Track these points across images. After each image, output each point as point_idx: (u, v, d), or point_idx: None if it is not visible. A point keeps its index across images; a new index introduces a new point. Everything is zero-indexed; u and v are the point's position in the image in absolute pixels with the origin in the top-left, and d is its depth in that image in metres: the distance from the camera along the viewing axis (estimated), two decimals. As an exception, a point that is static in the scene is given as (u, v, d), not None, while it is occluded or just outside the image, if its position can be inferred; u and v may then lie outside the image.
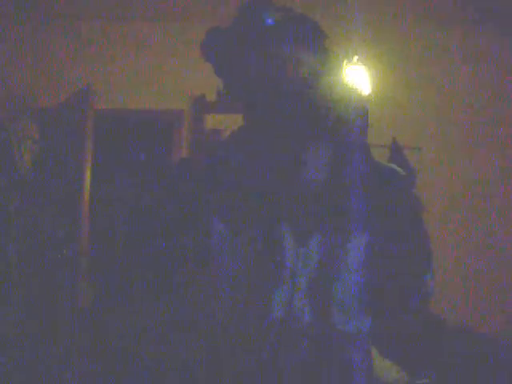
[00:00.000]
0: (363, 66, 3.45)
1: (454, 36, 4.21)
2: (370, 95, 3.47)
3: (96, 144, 3.58)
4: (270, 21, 1.07)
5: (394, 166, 1.18)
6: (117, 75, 4.13)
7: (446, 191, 4.14)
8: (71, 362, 3.12)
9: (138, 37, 4.21)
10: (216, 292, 1.08)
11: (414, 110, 4.17)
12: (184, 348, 1.12)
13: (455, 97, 4.22)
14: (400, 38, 4.17)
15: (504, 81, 4.20)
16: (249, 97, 1.09)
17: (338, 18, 3.60)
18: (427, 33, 4.20)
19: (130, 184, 4.22)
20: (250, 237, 1.06)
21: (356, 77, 3.39)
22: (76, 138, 3.53)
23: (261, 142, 1.09)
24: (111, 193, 4.15)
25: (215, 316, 1.07)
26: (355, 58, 3.34)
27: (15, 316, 3.22)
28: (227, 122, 4.14)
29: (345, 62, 1.15)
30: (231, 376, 1.05)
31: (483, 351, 3.40)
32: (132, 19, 4.18)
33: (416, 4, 3.88)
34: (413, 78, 4.18)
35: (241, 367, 1.04)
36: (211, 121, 4.09)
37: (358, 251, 1.06)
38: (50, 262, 3.35)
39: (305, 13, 1.16)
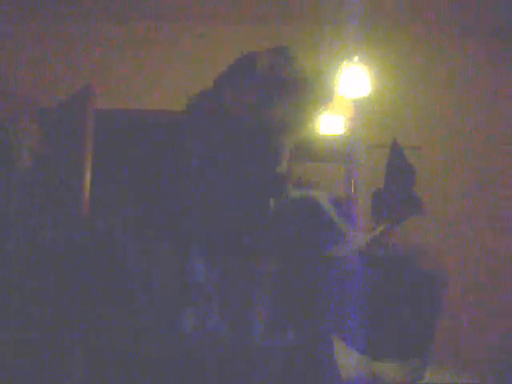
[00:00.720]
0: (363, 66, 3.45)
1: (454, 36, 4.21)
2: (370, 95, 3.48)
3: (96, 144, 3.58)
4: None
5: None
6: (117, 75, 4.13)
7: (446, 191, 4.14)
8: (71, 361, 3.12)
9: (138, 37, 4.22)
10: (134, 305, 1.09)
11: (413, 110, 4.17)
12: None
13: (455, 97, 4.22)
14: (400, 38, 4.17)
15: (504, 81, 4.20)
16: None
17: (339, 18, 3.61)
18: (427, 33, 4.20)
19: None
20: (164, 255, 1.08)
21: (356, 77, 3.40)
22: (76, 138, 3.53)
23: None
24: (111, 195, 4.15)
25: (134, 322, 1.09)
26: (355, 58, 3.34)
27: (15, 317, 3.22)
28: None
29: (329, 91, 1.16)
30: None
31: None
32: (132, 19, 4.18)
33: (416, 4, 3.88)
34: (413, 78, 4.18)
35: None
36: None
37: (267, 276, 1.08)
38: (50, 262, 3.35)
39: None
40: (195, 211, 1.11)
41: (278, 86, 1.11)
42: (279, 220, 1.12)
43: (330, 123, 3.65)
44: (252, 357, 1.04)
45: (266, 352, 1.05)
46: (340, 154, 3.73)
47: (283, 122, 1.10)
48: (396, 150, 4.10)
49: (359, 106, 3.63)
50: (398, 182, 4.09)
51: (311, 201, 1.19)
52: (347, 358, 1.24)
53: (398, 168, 4.08)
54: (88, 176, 3.47)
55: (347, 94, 3.39)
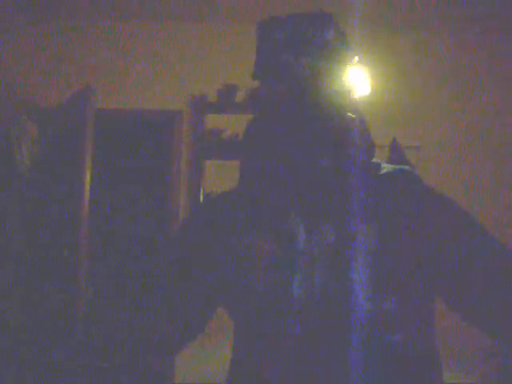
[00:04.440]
0: (363, 67, 3.45)
1: (454, 37, 4.21)
2: (370, 95, 3.48)
3: (96, 144, 3.58)
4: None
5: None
6: (117, 75, 4.13)
7: (446, 191, 4.14)
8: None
9: (138, 37, 4.22)
10: (240, 281, 1.12)
11: (413, 110, 4.18)
12: None
13: (455, 97, 4.22)
14: (400, 38, 4.18)
15: (504, 82, 4.20)
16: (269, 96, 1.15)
17: (339, 18, 3.60)
18: (427, 33, 4.20)
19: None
20: (265, 229, 1.11)
21: (356, 77, 3.40)
22: (76, 138, 3.53)
23: (269, 133, 1.13)
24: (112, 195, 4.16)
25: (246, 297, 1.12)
26: (355, 58, 3.34)
27: (15, 315, 3.22)
28: (227, 122, 4.16)
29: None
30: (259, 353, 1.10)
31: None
32: (132, 19, 4.18)
33: (416, 5, 3.88)
34: (413, 78, 4.18)
35: (268, 344, 1.09)
36: (211, 121, 4.10)
37: (368, 237, 1.09)
38: (50, 261, 3.35)
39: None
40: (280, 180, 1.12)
41: (303, 45, 1.16)
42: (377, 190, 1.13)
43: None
44: (360, 321, 1.06)
45: (375, 316, 1.06)
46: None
47: (313, 78, 1.14)
48: (396, 150, 4.11)
49: (359, 106, 3.63)
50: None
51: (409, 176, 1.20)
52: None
53: (398, 168, 4.08)
54: (88, 176, 3.47)
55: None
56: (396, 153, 4.09)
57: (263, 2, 3.91)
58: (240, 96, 3.92)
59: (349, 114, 1.21)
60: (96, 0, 3.95)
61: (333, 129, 1.13)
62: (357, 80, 3.39)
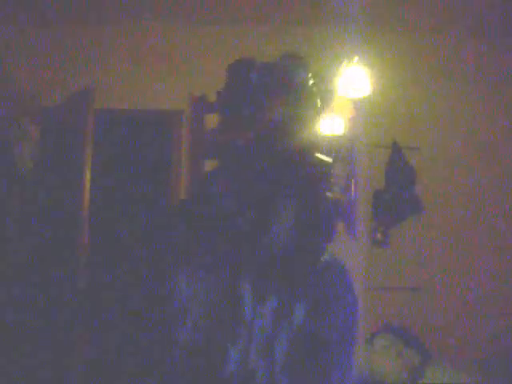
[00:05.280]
0: (363, 67, 3.45)
1: (454, 37, 4.21)
2: (370, 95, 3.47)
3: (96, 144, 3.58)
4: (254, 77, 1.16)
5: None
6: (117, 75, 4.13)
7: (446, 191, 4.14)
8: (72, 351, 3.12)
9: (138, 37, 4.22)
10: (174, 337, 1.11)
11: (414, 110, 4.17)
12: None
13: (455, 97, 4.22)
14: (400, 38, 4.17)
15: (504, 82, 4.20)
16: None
17: (339, 18, 3.60)
18: (427, 34, 4.20)
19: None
20: (212, 287, 1.11)
21: (356, 77, 3.39)
22: (76, 138, 3.53)
23: (234, 187, 1.15)
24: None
25: (172, 363, 1.11)
26: (355, 58, 3.34)
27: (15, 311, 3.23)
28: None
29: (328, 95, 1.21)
30: None
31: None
32: (132, 19, 4.18)
33: (417, 5, 3.88)
34: (413, 78, 4.18)
35: None
36: (211, 121, 4.09)
37: (298, 316, 1.12)
38: (50, 261, 3.35)
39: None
40: (241, 241, 1.13)
41: (276, 89, 1.14)
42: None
43: (330, 123, 3.65)
44: None
45: None
46: (340, 154, 3.73)
47: (284, 124, 1.12)
48: (396, 150, 4.11)
49: (359, 106, 3.63)
50: (397, 182, 4.10)
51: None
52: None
53: (398, 168, 4.08)
54: (88, 176, 3.47)
55: (347, 94, 3.38)
56: (396, 153, 4.09)
57: (264, 5, 3.91)
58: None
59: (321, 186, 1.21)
60: (96, 1, 3.94)
61: (303, 208, 1.15)
62: (357, 80, 3.39)
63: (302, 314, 1.11)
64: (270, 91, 1.14)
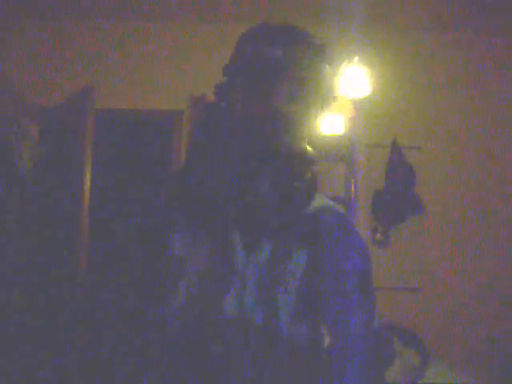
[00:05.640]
0: (363, 67, 3.44)
1: (454, 37, 4.21)
2: (370, 95, 3.47)
3: (96, 144, 3.58)
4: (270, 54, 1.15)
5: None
6: (117, 75, 4.13)
7: (446, 191, 4.14)
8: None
9: (138, 37, 4.22)
10: (173, 292, 1.12)
11: (414, 110, 4.18)
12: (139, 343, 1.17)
13: (455, 97, 4.22)
14: (400, 38, 4.17)
15: (505, 82, 4.20)
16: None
17: (339, 18, 3.60)
18: (428, 34, 4.20)
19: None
20: (205, 242, 1.13)
21: (356, 77, 3.39)
22: (76, 138, 3.53)
23: (223, 155, 1.17)
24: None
25: (170, 316, 1.12)
26: (355, 58, 3.34)
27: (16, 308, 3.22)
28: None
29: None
30: (185, 372, 1.10)
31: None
32: (132, 19, 4.18)
33: (417, 5, 3.88)
34: (413, 78, 4.18)
35: (194, 364, 1.10)
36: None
37: (299, 264, 1.13)
38: (50, 261, 3.35)
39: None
40: (230, 197, 1.15)
41: (279, 76, 1.13)
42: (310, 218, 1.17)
43: (330, 123, 3.65)
44: (279, 346, 1.09)
45: (295, 343, 1.09)
46: (340, 153, 3.73)
47: (286, 114, 1.13)
48: (396, 150, 4.11)
49: (359, 106, 3.63)
50: (397, 182, 4.10)
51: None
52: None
53: (398, 168, 4.08)
54: (88, 176, 3.48)
55: (347, 94, 3.38)
56: (396, 153, 4.09)
57: (264, 4, 3.91)
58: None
59: (308, 149, 1.18)
60: (96, 0, 3.94)
61: (285, 161, 1.15)
62: (357, 80, 3.39)
63: (302, 261, 1.12)
64: (284, 76, 1.13)
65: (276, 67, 1.13)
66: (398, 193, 4.06)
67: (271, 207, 1.13)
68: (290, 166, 1.14)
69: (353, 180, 3.66)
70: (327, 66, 1.18)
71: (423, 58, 4.23)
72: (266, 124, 1.13)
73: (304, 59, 1.15)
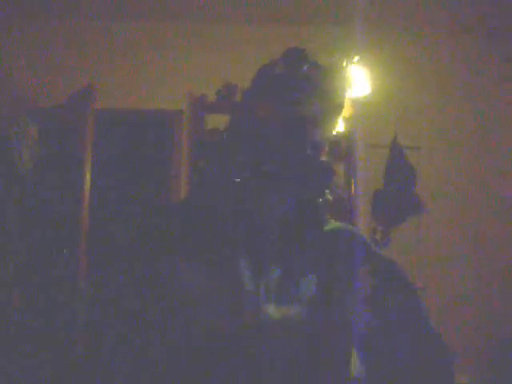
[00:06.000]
0: (364, 67, 3.45)
1: (454, 37, 4.21)
2: (370, 95, 3.48)
3: (96, 144, 3.58)
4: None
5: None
6: (117, 75, 4.13)
7: (446, 191, 4.14)
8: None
9: (137, 37, 4.22)
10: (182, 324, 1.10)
11: (414, 110, 4.18)
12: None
13: (455, 97, 4.22)
14: (400, 38, 4.17)
15: (504, 82, 4.21)
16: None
17: (340, 18, 3.61)
18: (428, 34, 4.20)
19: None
20: (214, 271, 1.11)
21: (356, 77, 3.40)
22: (76, 138, 3.53)
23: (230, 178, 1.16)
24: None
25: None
26: (356, 58, 3.34)
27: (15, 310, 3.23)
28: (227, 122, 4.16)
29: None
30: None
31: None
32: (132, 19, 4.18)
33: (417, 5, 3.88)
34: (413, 78, 4.18)
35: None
36: (211, 121, 4.10)
37: (308, 287, 1.12)
38: (50, 261, 3.35)
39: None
40: (244, 220, 1.13)
41: (298, 83, 1.15)
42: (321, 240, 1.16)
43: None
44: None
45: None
46: (340, 153, 3.73)
47: (312, 116, 1.14)
48: (396, 150, 4.11)
49: (359, 106, 3.63)
50: (397, 182, 4.10)
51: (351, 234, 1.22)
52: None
53: (398, 168, 4.08)
54: (88, 176, 3.48)
55: (347, 94, 3.38)
56: (396, 153, 4.09)
57: (264, 5, 3.91)
58: (240, 96, 3.92)
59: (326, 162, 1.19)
60: (97, 0, 3.94)
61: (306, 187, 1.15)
62: (357, 80, 3.39)
63: (311, 284, 1.11)
64: (310, 87, 1.15)
65: (302, 81, 1.16)
66: (398, 193, 4.06)
67: (281, 229, 1.12)
68: (314, 183, 1.15)
69: (353, 180, 3.66)
70: (342, 84, 1.21)
71: (423, 58, 4.23)
72: (294, 132, 1.13)
73: (323, 74, 1.18)
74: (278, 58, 1.22)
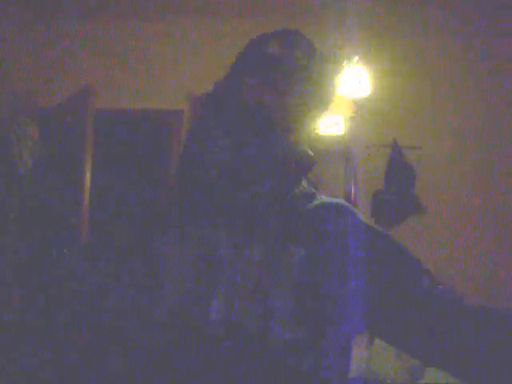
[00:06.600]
0: (363, 66, 3.45)
1: (455, 37, 4.21)
2: (370, 95, 3.48)
3: (96, 144, 3.59)
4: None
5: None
6: (117, 75, 4.13)
7: (446, 191, 4.14)
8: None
9: (137, 37, 4.22)
10: (160, 295, 1.08)
11: (413, 110, 4.18)
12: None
13: (455, 97, 4.22)
14: (400, 38, 4.17)
15: (504, 82, 4.20)
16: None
17: (340, 18, 3.60)
18: (428, 33, 4.20)
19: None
20: (191, 241, 1.08)
21: (356, 77, 3.40)
22: (76, 138, 3.53)
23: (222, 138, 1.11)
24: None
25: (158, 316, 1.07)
26: (356, 58, 3.34)
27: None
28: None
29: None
30: (172, 374, 1.06)
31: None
32: (132, 19, 4.18)
33: (417, 5, 3.89)
34: (413, 78, 4.18)
35: (180, 366, 1.05)
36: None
37: (295, 262, 1.07)
38: (50, 261, 3.35)
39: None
40: (226, 195, 1.10)
41: (284, 68, 1.11)
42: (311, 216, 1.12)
43: (330, 123, 3.65)
44: (270, 351, 1.03)
45: (284, 346, 1.04)
46: (340, 153, 3.73)
47: (299, 106, 1.11)
48: (396, 150, 4.11)
49: (359, 106, 3.63)
50: (397, 182, 4.10)
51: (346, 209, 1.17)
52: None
53: (398, 168, 4.08)
54: (88, 176, 3.48)
55: (347, 94, 3.39)
56: (396, 154, 4.09)
57: (263, 3, 3.91)
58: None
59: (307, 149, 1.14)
60: (96, 0, 3.95)
61: (285, 157, 1.11)
62: (357, 80, 3.39)
63: (299, 259, 1.06)
64: (295, 75, 1.11)
65: (295, 67, 1.12)
66: (398, 193, 4.06)
67: (268, 207, 1.09)
68: (292, 169, 1.11)
69: (353, 180, 3.66)
70: (335, 72, 1.17)
71: (423, 58, 4.23)
72: (279, 122, 1.09)
73: (319, 63, 1.14)
74: (270, 36, 1.18)
